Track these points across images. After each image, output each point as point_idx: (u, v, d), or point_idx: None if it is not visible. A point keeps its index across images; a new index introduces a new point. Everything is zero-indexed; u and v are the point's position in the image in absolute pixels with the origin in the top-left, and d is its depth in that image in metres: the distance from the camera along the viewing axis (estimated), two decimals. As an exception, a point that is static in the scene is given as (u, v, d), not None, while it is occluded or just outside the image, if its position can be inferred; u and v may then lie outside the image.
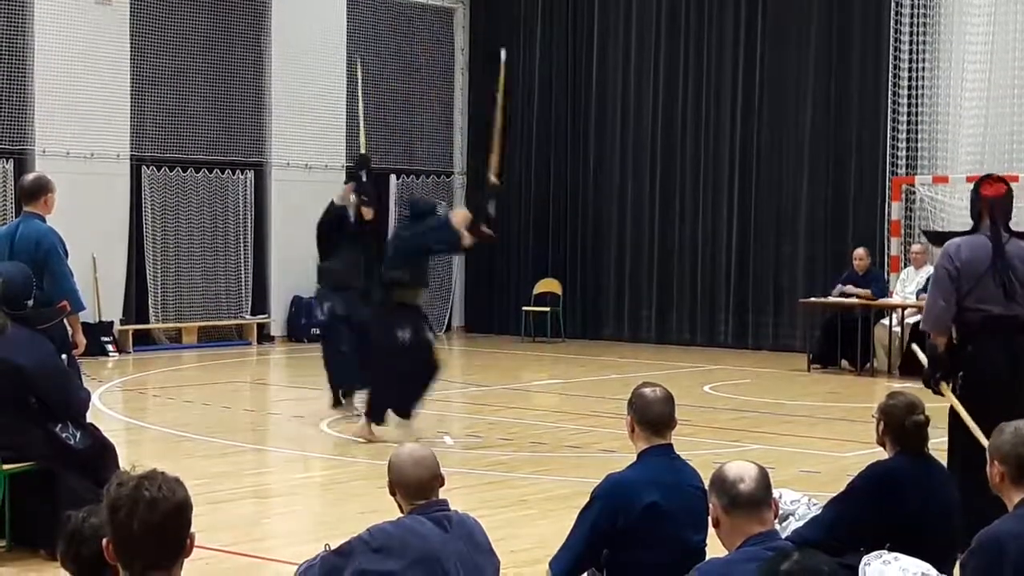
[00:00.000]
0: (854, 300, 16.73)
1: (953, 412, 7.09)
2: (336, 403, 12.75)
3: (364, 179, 13.17)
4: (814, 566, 3.82)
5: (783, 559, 3.83)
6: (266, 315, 20.24)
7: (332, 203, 13.11)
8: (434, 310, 22.30)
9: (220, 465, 10.45)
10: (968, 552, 4.50)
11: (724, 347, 19.82)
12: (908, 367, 16.13)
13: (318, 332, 13.86)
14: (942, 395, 7.14)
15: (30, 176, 9.35)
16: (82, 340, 9.09)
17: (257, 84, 20.05)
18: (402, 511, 4.65)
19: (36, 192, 9.05)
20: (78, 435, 7.47)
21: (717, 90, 20.17)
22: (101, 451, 7.53)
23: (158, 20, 18.89)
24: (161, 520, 3.12)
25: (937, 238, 7.88)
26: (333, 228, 12.90)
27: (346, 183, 13.55)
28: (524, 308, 21.10)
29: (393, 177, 21.77)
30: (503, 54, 12.98)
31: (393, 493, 4.67)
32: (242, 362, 18.49)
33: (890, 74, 18.21)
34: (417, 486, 4.61)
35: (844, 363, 17.02)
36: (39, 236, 8.84)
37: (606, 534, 5.12)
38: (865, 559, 5.21)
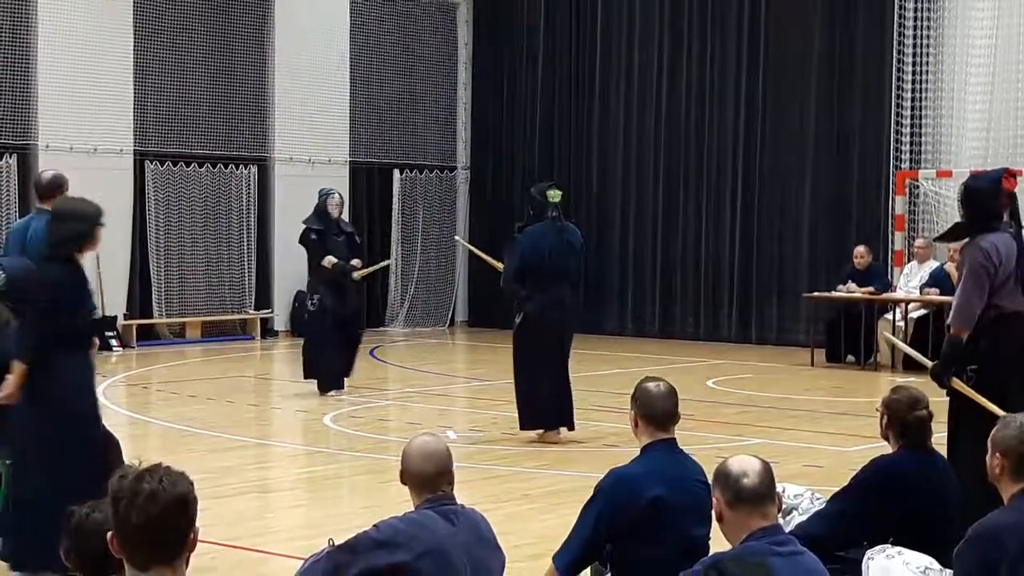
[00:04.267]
0: (857, 295, 16.70)
1: (956, 406, 7.05)
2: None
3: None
4: None
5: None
6: (269, 310, 20.25)
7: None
8: (438, 305, 22.33)
9: (224, 460, 10.46)
10: (963, 543, 4.50)
11: (728, 342, 19.82)
12: (912, 361, 16.10)
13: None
14: (951, 388, 7.05)
15: (48, 174, 9.28)
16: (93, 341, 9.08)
17: (260, 79, 20.04)
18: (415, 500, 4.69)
19: (53, 191, 9.07)
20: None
21: (720, 85, 20.14)
22: (105, 446, 7.52)
23: (162, 14, 18.88)
24: (161, 513, 3.10)
25: (951, 235, 7.73)
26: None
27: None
28: (527, 303, 21.02)
29: (396, 172, 21.77)
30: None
31: (404, 482, 4.71)
32: (246, 357, 18.51)
33: (894, 68, 18.18)
34: (424, 478, 4.63)
35: (851, 358, 16.98)
36: None
37: (609, 528, 5.11)
38: (869, 553, 5.21)
